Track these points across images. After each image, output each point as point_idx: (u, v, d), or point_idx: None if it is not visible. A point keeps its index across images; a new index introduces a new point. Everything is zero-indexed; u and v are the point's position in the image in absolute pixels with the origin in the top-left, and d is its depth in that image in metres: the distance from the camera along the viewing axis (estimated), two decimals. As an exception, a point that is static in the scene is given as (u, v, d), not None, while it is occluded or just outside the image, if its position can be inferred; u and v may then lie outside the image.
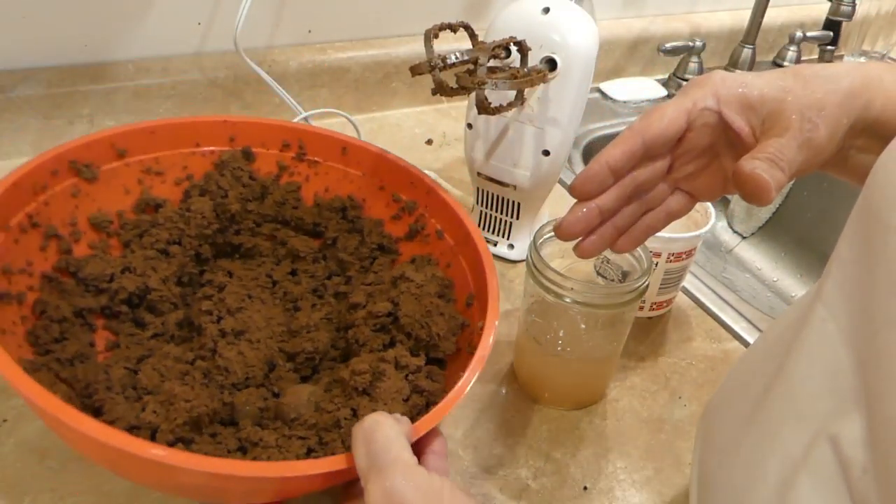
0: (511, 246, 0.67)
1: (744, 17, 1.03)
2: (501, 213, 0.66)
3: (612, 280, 0.53)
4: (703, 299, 0.66)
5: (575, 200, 0.40)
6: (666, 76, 1.08)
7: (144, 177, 0.53)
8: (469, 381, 0.39)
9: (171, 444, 0.39)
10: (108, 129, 0.51)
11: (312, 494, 0.40)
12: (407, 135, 0.86)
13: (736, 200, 1.01)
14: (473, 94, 0.52)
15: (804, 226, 0.96)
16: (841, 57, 1.18)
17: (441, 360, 0.46)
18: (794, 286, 0.94)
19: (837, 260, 0.31)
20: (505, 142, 0.60)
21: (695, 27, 1.08)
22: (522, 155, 0.60)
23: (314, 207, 0.57)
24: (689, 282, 0.67)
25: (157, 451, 0.32)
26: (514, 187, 0.62)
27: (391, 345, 0.46)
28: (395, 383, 0.40)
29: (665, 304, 0.62)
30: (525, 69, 0.54)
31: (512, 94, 0.55)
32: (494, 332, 0.42)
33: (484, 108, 0.51)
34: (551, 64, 0.55)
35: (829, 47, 1.15)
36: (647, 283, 0.47)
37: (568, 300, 0.46)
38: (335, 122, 0.81)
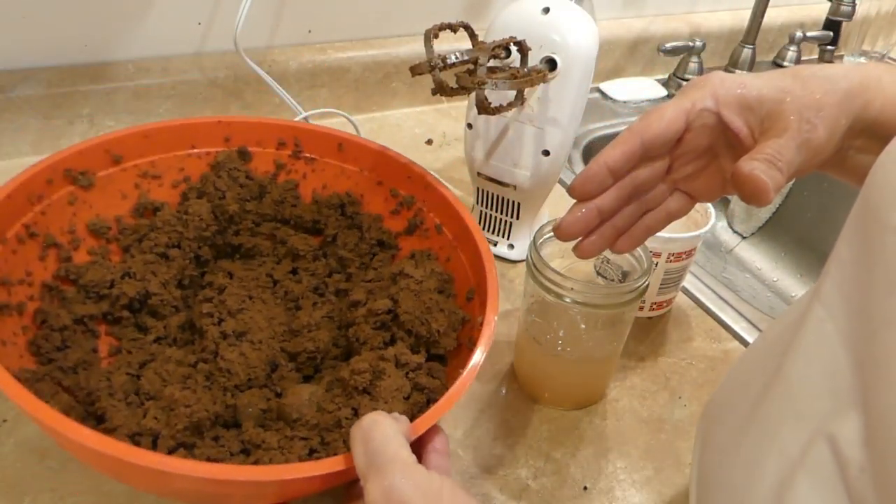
0: (511, 246, 0.67)
1: (744, 17, 1.03)
2: (501, 213, 0.66)
3: (612, 280, 0.53)
4: (703, 299, 0.66)
5: (574, 201, 0.40)
6: (666, 76, 1.08)
7: (141, 181, 0.53)
8: (468, 381, 0.39)
9: (172, 450, 0.39)
10: (101, 135, 0.50)
11: (314, 495, 0.40)
12: (407, 135, 0.86)
13: (736, 200, 1.01)
14: (473, 94, 0.52)
15: (804, 226, 0.96)
16: (841, 57, 1.18)
17: (442, 357, 0.47)
18: (794, 286, 0.94)
19: (836, 260, 0.31)
20: (505, 142, 0.60)
21: (695, 27, 1.08)
22: (522, 155, 0.60)
23: (313, 205, 0.57)
24: (689, 282, 0.67)
25: (153, 458, 0.32)
26: (514, 187, 0.62)
27: (392, 342, 0.46)
28: (395, 381, 0.40)
29: (665, 304, 0.62)
30: (525, 69, 0.54)
31: (512, 94, 0.55)
32: (495, 323, 0.42)
33: (484, 108, 0.51)
34: (551, 64, 0.55)
35: (829, 47, 1.15)
36: (647, 283, 0.47)
37: (568, 300, 0.46)
38: (335, 122, 0.81)
